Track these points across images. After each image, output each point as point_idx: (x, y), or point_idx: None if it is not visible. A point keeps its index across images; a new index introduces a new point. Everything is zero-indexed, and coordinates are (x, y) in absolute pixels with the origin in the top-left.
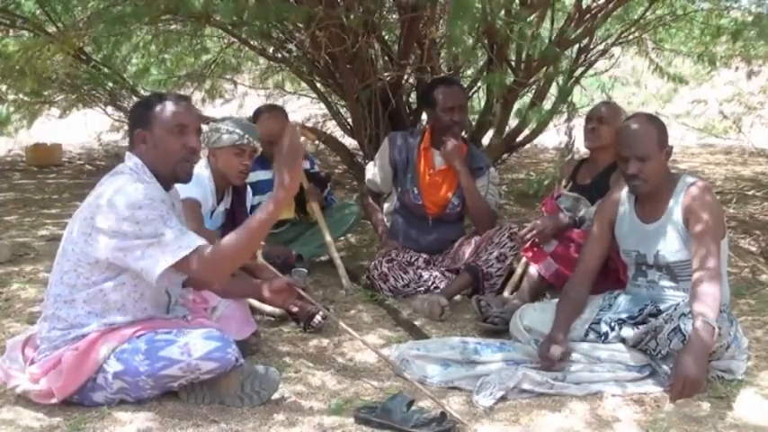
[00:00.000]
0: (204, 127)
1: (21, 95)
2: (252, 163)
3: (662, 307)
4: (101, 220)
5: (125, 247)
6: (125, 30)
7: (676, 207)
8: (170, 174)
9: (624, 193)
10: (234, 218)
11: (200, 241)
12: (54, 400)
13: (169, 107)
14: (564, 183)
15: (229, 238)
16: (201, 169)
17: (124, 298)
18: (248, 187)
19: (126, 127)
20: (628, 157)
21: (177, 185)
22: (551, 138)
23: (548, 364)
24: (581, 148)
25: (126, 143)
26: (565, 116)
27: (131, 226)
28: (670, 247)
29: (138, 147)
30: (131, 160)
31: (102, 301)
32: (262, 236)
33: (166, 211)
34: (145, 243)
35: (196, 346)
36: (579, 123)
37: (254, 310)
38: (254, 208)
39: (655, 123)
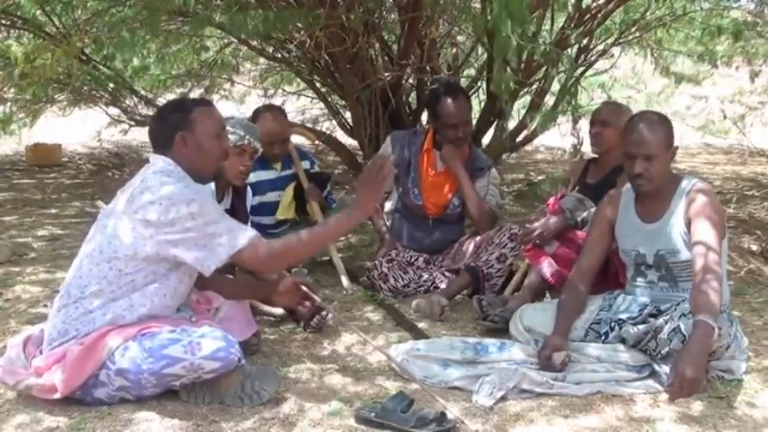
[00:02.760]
0: None
1: (24, 95)
2: (252, 163)
3: (662, 307)
4: (151, 214)
5: (177, 239)
6: (130, 33)
7: (678, 207)
8: (209, 173)
9: (625, 192)
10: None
11: (254, 232)
12: (57, 395)
13: (209, 112)
14: (570, 186)
15: (292, 238)
16: None
17: (150, 288)
18: (248, 187)
19: (128, 126)
20: (635, 155)
21: None
22: (551, 138)
23: (551, 370)
24: (586, 149)
25: (126, 142)
26: (569, 117)
27: (186, 219)
28: (670, 247)
29: (177, 148)
30: (161, 161)
31: (130, 291)
32: (327, 243)
33: (215, 205)
34: (199, 234)
35: (200, 346)
36: (584, 124)
37: (254, 311)
38: (254, 208)
39: (663, 122)
